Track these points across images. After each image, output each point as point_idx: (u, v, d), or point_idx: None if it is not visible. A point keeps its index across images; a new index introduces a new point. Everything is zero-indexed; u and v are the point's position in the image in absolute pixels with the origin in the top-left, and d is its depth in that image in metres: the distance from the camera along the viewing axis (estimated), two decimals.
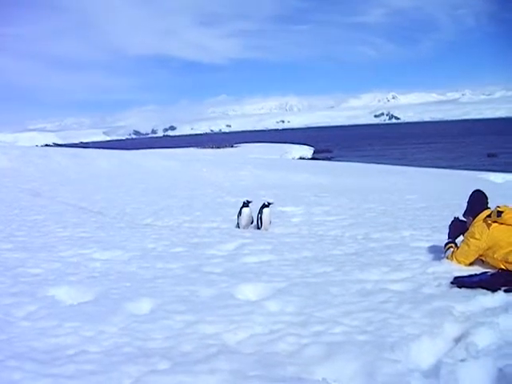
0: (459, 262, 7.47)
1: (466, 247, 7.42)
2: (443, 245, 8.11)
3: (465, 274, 7.00)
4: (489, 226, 7.26)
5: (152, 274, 7.71)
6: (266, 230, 12.34)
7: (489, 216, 7.36)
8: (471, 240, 7.35)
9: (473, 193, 7.99)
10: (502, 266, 6.94)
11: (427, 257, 8.37)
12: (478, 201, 7.79)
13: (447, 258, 7.70)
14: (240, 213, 12.74)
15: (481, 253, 7.35)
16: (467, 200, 7.92)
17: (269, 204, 12.49)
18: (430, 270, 7.50)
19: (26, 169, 33.09)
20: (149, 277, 7.56)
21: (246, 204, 12.69)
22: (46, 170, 32.98)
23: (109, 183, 26.58)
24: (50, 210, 16.08)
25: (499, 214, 7.18)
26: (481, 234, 7.25)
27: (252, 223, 12.76)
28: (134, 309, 6.03)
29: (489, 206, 7.70)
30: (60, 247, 9.88)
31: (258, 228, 12.43)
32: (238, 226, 12.80)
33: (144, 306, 6.14)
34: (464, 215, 7.98)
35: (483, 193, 7.91)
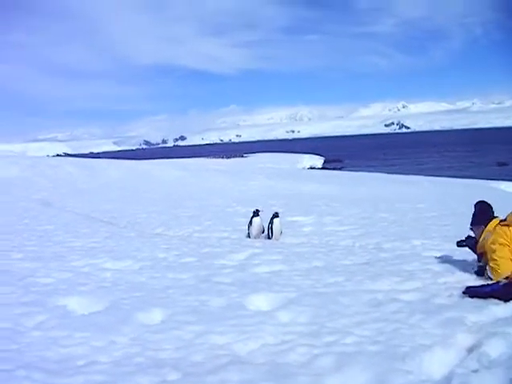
0: (505, 265, 6.92)
1: (499, 255, 7.00)
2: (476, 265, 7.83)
3: (477, 283, 6.96)
4: (509, 226, 7.12)
5: (163, 284, 7.70)
6: (277, 239, 12.32)
7: (502, 221, 7.28)
8: (499, 246, 7.04)
9: (478, 204, 7.91)
10: None
11: (439, 267, 8.32)
12: (485, 211, 7.71)
13: (491, 270, 7.17)
14: (250, 223, 12.73)
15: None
16: (473, 212, 7.84)
17: (277, 214, 12.48)
18: (442, 280, 7.46)
19: (36, 179, 33.20)
20: (159, 287, 7.55)
21: (256, 213, 12.68)
22: (57, 180, 33.08)
23: (119, 193, 26.64)
24: (60, 219, 16.11)
25: None
26: (504, 237, 7.09)
27: (263, 233, 12.75)
28: (144, 319, 6.03)
29: (495, 215, 7.63)
30: (71, 257, 9.88)
31: (269, 238, 12.42)
32: (248, 235, 12.79)
33: (155, 316, 6.13)
34: (472, 226, 7.88)
35: (488, 203, 7.85)
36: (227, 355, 4.93)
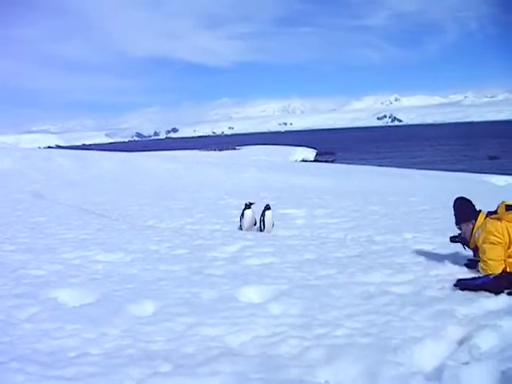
0: (495, 267, 6.84)
1: (489, 257, 6.87)
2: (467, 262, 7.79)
3: (468, 276, 6.99)
4: (500, 220, 7.03)
5: (154, 276, 7.70)
6: (269, 232, 12.34)
7: (491, 213, 7.22)
8: (489, 246, 6.89)
9: (458, 200, 7.72)
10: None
11: (430, 259, 8.34)
12: (467, 207, 7.59)
13: (482, 270, 7.04)
14: (242, 215, 12.75)
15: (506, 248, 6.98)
16: (454, 211, 7.70)
17: (268, 206, 12.51)
18: (433, 272, 7.49)
19: (28, 171, 33.12)
20: (151, 279, 7.55)
21: (248, 206, 12.70)
22: (49, 172, 33.01)
23: (111, 185, 26.61)
24: (52, 211, 16.09)
25: (509, 208, 6.99)
26: (496, 233, 7.00)
27: (255, 225, 12.77)
28: (136, 311, 6.03)
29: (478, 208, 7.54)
30: (62, 249, 9.87)
31: (261, 230, 12.44)
32: (240, 228, 12.81)
33: (146, 308, 6.13)
34: (458, 224, 7.75)
35: (467, 198, 7.72)
36: (219, 347, 4.94)
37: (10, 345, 5.02)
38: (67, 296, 6.72)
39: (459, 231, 7.82)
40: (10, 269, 8.18)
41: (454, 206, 7.71)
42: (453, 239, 8.10)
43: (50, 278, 7.61)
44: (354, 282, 7.15)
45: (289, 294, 6.61)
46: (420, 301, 6.12)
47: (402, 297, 6.36)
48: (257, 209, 12.77)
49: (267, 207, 12.46)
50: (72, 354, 4.80)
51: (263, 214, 12.45)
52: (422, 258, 8.46)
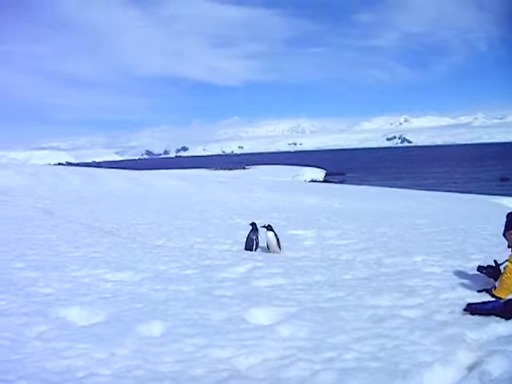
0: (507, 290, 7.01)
1: (508, 275, 6.92)
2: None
3: (478, 300, 6.96)
4: None
5: (163, 296, 7.69)
6: (277, 252, 12.29)
7: None
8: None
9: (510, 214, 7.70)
10: None
11: (440, 283, 8.32)
12: None
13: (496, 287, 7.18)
14: (251, 236, 12.73)
15: None
16: (506, 221, 7.58)
17: (270, 226, 12.46)
18: (443, 296, 7.47)
19: (38, 187, 33.22)
20: (160, 299, 7.54)
21: (268, 227, 12.63)
22: (59, 189, 33.09)
23: (121, 203, 26.64)
24: (62, 229, 16.10)
25: None
26: None
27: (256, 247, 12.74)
28: (145, 331, 6.03)
29: None
30: (72, 267, 9.87)
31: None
32: (247, 248, 12.77)
33: (155, 328, 6.13)
34: (505, 232, 7.60)
35: None
36: (227, 369, 4.93)
37: (19, 363, 5.03)
38: (76, 315, 6.73)
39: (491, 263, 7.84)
40: (19, 286, 8.20)
41: (507, 216, 7.68)
42: (480, 269, 8.08)
43: (59, 296, 7.62)
44: (363, 305, 7.13)
45: (298, 316, 6.60)
46: (430, 325, 6.11)
47: (411, 321, 6.34)
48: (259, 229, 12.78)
49: (268, 228, 12.41)
50: (81, 374, 4.81)
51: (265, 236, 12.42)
52: (431, 282, 8.43)
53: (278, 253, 12.28)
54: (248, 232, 12.89)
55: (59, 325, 6.30)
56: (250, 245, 12.72)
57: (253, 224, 12.89)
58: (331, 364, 5.01)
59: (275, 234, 12.44)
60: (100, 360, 5.15)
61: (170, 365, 5.06)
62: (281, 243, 12.50)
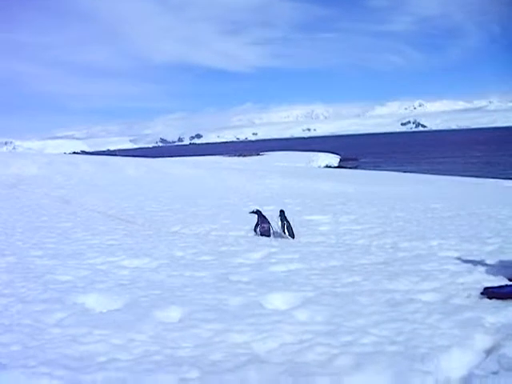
0: None
1: None
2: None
3: (495, 284, 6.94)
4: None
5: (180, 283, 7.73)
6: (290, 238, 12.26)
7: None
8: None
9: None
10: None
11: (456, 267, 8.30)
12: None
13: None
14: (260, 223, 12.77)
15: None
16: None
17: (282, 212, 12.46)
18: (460, 280, 7.45)
19: (54, 176, 33.34)
20: (177, 285, 7.58)
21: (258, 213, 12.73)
22: (74, 178, 33.21)
23: (136, 191, 26.72)
24: (78, 217, 16.19)
25: None
26: None
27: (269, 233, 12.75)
28: (163, 317, 6.06)
29: None
30: (89, 254, 9.94)
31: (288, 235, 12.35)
32: (258, 234, 12.80)
33: (173, 314, 6.16)
34: None
35: None
36: (246, 354, 4.95)
37: (39, 349, 5.07)
38: (94, 301, 6.78)
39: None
40: (37, 274, 8.27)
41: None
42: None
43: (77, 284, 7.67)
44: (379, 290, 7.13)
45: (315, 301, 6.61)
46: (447, 309, 6.09)
47: (428, 305, 6.34)
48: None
49: (281, 214, 12.39)
50: (101, 360, 4.84)
51: (284, 219, 12.38)
52: (448, 266, 8.40)
53: (290, 238, 12.24)
54: (257, 219, 12.89)
55: (77, 311, 6.34)
56: (268, 232, 12.74)
57: (258, 211, 12.91)
58: (349, 348, 5.02)
59: (287, 221, 12.42)
60: (119, 345, 5.18)
61: (189, 350, 5.09)
62: (293, 229, 12.45)
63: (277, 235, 12.61)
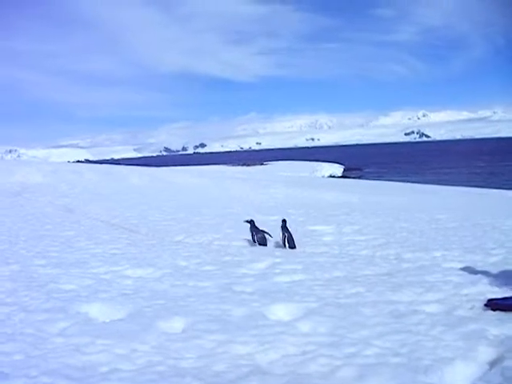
0: None
1: None
2: None
3: (499, 296, 6.92)
4: None
5: (184, 293, 7.73)
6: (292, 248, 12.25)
7: None
8: None
9: None
10: None
11: (460, 278, 8.28)
12: None
13: None
14: (255, 233, 12.84)
15: None
16: None
17: (284, 222, 12.48)
18: (464, 291, 7.44)
19: (58, 185, 33.36)
20: (181, 295, 7.58)
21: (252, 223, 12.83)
22: (78, 186, 33.21)
23: (140, 200, 26.72)
24: (81, 226, 16.20)
25: None
26: None
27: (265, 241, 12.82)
28: (166, 327, 6.06)
29: None
30: (92, 264, 9.95)
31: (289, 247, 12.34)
32: (255, 243, 12.87)
33: (176, 324, 6.16)
34: None
35: None
36: (249, 365, 4.95)
37: (41, 359, 5.07)
38: (98, 311, 6.79)
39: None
40: (40, 283, 8.29)
41: None
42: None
43: (80, 293, 7.69)
44: (383, 301, 7.12)
45: (318, 312, 6.60)
46: (450, 320, 6.08)
47: (432, 316, 6.33)
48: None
49: (283, 225, 12.42)
50: (103, 370, 4.84)
51: (286, 230, 12.38)
52: (451, 277, 8.39)
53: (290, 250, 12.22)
54: (252, 229, 12.94)
55: (80, 321, 6.35)
56: (264, 240, 12.78)
57: (251, 221, 12.97)
58: (352, 360, 5.01)
59: (288, 231, 12.42)
60: (122, 356, 5.18)
61: (192, 361, 5.09)
62: (294, 240, 12.42)
63: (278, 245, 12.60)
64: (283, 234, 12.35)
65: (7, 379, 4.52)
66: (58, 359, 5.07)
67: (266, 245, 12.75)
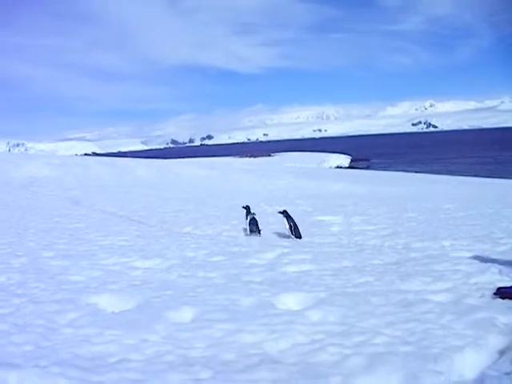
0: None
1: None
2: None
3: (508, 284, 6.91)
4: None
5: (192, 283, 7.73)
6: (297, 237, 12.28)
7: None
8: None
9: None
10: None
11: (469, 267, 8.25)
12: None
13: None
14: (251, 222, 12.91)
15: None
16: None
17: (285, 212, 12.49)
18: (473, 280, 7.42)
19: (65, 178, 33.51)
20: (189, 285, 7.58)
21: (285, 213, 12.71)
22: (86, 179, 33.35)
23: (147, 192, 26.79)
24: (90, 218, 16.25)
25: None
26: None
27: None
28: (175, 317, 6.06)
29: None
30: (101, 255, 9.97)
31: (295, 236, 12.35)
32: (249, 233, 12.94)
33: (185, 314, 6.16)
34: None
35: None
36: (258, 354, 4.94)
37: (51, 349, 5.09)
38: (107, 302, 6.80)
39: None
40: (49, 274, 8.31)
41: None
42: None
43: (89, 284, 7.70)
44: (392, 290, 7.11)
45: (327, 301, 6.59)
46: (460, 309, 6.06)
47: (441, 305, 6.31)
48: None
49: (285, 214, 12.44)
50: (112, 360, 4.85)
51: (291, 220, 12.40)
52: (460, 266, 8.36)
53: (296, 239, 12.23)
54: (247, 216, 13.07)
55: (90, 312, 6.36)
56: (255, 228, 12.85)
57: (247, 207, 13.09)
58: (361, 348, 5.00)
59: (292, 220, 12.42)
60: (131, 346, 5.19)
61: (201, 350, 5.09)
62: (299, 229, 12.44)
63: (285, 235, 12.61)
64: (288, 223, 12.35)
65: (19, 369, 4.54)
66: (68, 349, 5.08)
67: (259, 232, 12.91)
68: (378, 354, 4.83)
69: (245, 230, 13.32)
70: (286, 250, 10.28)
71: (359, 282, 7.67)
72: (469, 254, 9.36)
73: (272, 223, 13.69)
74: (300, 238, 12.24)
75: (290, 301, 6.73)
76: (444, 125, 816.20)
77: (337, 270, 8.48)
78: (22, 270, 8.59)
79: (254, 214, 13.05)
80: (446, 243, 10.94)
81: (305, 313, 6.17)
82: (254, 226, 12.93)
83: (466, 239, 11.31)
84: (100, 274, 8.34)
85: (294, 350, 5.06)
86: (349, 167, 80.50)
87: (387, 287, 7.28)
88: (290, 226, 12.32)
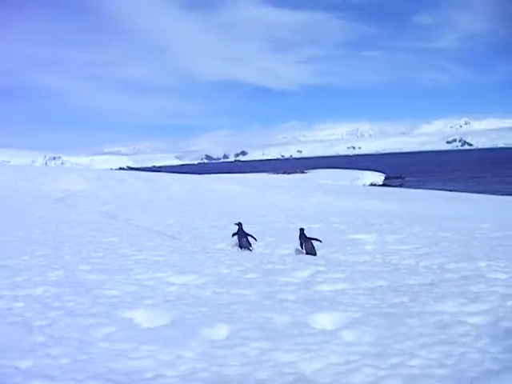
0: None
1: None
2: None
3: None
4: None
5: (227, 300, 7.76)
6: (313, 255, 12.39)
7: None
8: None
9: None
10: None
11: (505, 289, 8.16)
12: None
13: None
14: (240, 236, 13.25)
15: None
16: None
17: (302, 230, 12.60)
18: (509, 302, 7.32)
19: (101, 191, 33.83)
20: (224, 302, 7.61)
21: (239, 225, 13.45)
22: (121, 193, 33.63)
23: (181, 207, 26.91)
24: (124, 232, 16.37)
25: None
26: None
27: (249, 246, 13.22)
28: (210, 334, 6.09)
29: None
30: (136, 270, 10.04)
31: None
32: (240, 247, 13.28)
33: (220, 331, 6.19)
34: None
35: None
36: (293, 373, 4.95)
37: (87, 363, 5.15)
38: (142, 317, 6.86)
39: None
40: (85, 288, 8.40)
41: None
42: None
43: (124, 299, 7.77)
44: (427, 311, 7.05)
45: (362, 321, 6.57)
46: (496, 332, 6.00)
47: (477, 327, 6.24)
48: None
49: (302, 232, 12.57)
50: (148, 375, 4.90)
51: (305, 239, 12.51)
52: (497, 288, 8.27)
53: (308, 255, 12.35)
54: (238, 232, 13.38)
55: (125, 326, 6.42)
56: (246, 244, 13.18)
57: (239, 223, 13.43)
58: (396, 370, 4.97)
59: (308, 239, 12.51)
60: (166, 362, 5.23)
61: (236, 368, 5.11)
62: (315, 248, 12.54)
63: (298, 252, 12.72)
64: (301, 242, 12.48)
65: (55, 381, 4.60)
66: (104, 364, 5.14)
67: (250, 249, 13.16)
68: (414, 376, 4.80)
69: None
70: (320, 269, 10.26)
71: (394, 302, 7.63)
72: (505, 276, 9.25)
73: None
74: (315, 255, 12.35)
75: (324, 320, 6.72)
76: (479, 143, 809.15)
77: (371, 290, 8.44)
78: (58, 283, 8.70)
79: (247, 234, 13.26)
80: (482, 264, 10.80)
81: (339, 333, 6.16)
82: (244, 241, 13.25)
83: (502, 260, 11.15)
84: (135, 289, 8.41)
85: (329, 370, 5.06)
86: (382, 185, 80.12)
87: (422, 308, 7.23)
88: (301, 242, 12.46)
